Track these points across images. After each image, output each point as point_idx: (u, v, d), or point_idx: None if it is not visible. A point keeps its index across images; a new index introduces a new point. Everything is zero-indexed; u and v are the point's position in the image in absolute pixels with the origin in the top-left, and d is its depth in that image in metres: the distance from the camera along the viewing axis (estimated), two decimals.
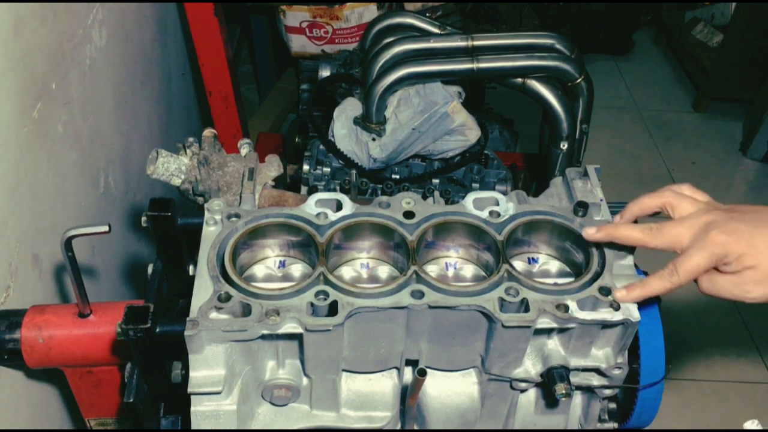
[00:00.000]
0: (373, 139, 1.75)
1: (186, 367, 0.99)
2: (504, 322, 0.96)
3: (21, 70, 1.36)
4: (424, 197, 1.24)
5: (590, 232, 1.05)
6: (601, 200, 1.16)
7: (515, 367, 1.05)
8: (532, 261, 1.15)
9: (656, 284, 0.98)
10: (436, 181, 1.83)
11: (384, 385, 1.10)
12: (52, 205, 1.52)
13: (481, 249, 1.11)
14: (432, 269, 1.13)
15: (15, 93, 1.34)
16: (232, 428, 1.01)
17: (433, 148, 1.79)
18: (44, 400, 1.52)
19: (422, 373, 0.95)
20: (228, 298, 0.97)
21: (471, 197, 1.12)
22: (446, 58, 1.70)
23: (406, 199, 1.11)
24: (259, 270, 1.12)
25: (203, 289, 1.00)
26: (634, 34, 4.69)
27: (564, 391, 1.00)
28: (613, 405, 1.16)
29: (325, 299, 0.97)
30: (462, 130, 1.76)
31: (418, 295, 0.98)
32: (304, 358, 1.01)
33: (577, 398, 1.16)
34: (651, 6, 4.71)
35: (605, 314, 0.99)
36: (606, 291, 1.00)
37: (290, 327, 0.96)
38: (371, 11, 2.82)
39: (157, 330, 1.00)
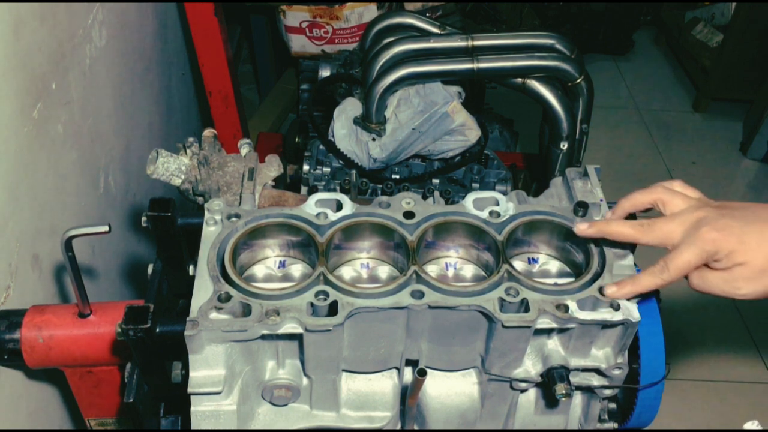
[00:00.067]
0: (373, 139, 1.75)
1: (186, 367, 0.99)
2: (504, 322, 0.96)
3: (21, 70, 1.36)
4: (424, 197, 1.24)
5: (582, 228, 1.05)
6: (601, 200, 1.16)
7: (515, 367, 1.05)
8: (532, 261, 1.15)
9: (647, 280, 0.98)
10: (436, 181, 1.83)
11: (384, 385, 1.10)
12: (52, 205, 1.52)
13: (481, 249, 1.11)
14: (432, 269, 1.13)
15: (15, 93, 1.34)
16: (232, 428, 1.01)
17: (433, 148, 1.79)
18: (44, 400, 1.52)
19: (422, 373, 0.95)
20: (228, 298, 0.97)
21: (471, 197, 1.12)
22: (446, 58, 1.70)
23: (406, 199, 1.11)
24: (259, 270, 1.12)
25: (203, 289, 1.00)
26: (634, 34, 4.69)
27: (564, 391, 1.00)
28: (613, 405, 1.16)
29: (325, 299, 0.97)
30: (462, 130, 1.76)
31: (418, 295, 0.98)
32: (304, 358, 1.01)
33: (577, 398, 1.16)
34: (651, 6, 4.71)
35: (605, 314, 0.99)
36: None
37: (290, 327, 0.96)
38: (371, 11, 2.82)
39: (157, 330, 1.00)
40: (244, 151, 1.38)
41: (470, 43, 1.71)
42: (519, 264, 1.13)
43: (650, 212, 1.05)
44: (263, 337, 0.98)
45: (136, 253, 2.16)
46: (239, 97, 2.68)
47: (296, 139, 2.10)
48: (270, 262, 1.13)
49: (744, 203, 0.98)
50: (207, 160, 1.35)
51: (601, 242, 1.06)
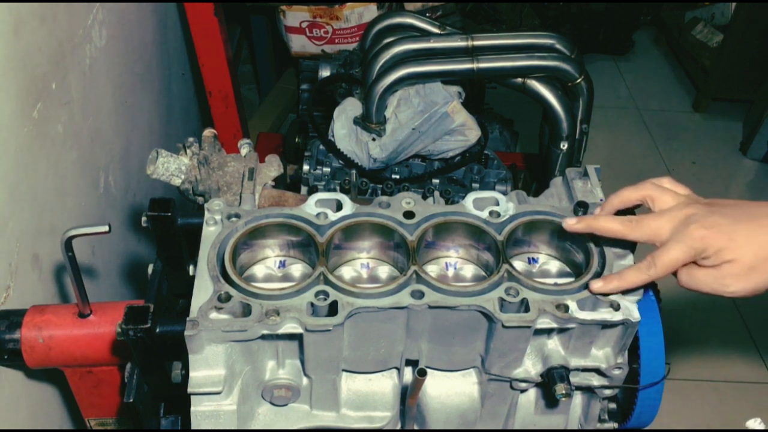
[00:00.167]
0: (373, 139, 1.75)
1: (186, 367, 0.99)
2: (504, 322, 0.96)
3: (21, 70, 1.36)
4: (424, 197, 1.24)
5: (570, 223, 1.05)
6: (601, 200, 1.16)
7: (515, 367, 1.05)
8: (532, 261, 1.15)
9: (633, 276, 0.98)
10: (436, 181, 1.83)
11: (384, 385, 1.10)
12: (52, 205, 1.52)
13: (481, 249, 1.11)
14: (432, 269, 1.13)
15: (15, 93, 1.34)
16: (232, 428, 1.01)
17: (433, 148, 1.79)
18: (44, 400, 1.52)
19: (422, 373, 0.95)
20: (228, 298, 0.97)
21: (471, 197, 1.12)
22: (446, 58, 1.70)
23: (406, 199, 1.11)
24: (259, 270, 1.12)
25: (203, 289, 1.00)
26: (634, 34, 4.69)
27: (564, 391, 1.00)
28: (613, 405, 1.16)
29: (325, 299, 0.97)
30: (462, 130, 1.76)
31: (418, 295, 0.98)
32: (304, 358, 1.01)
33: (577, 398, 1.16)
34: (651, 6, 4.71)
35: (605, 314, 0.99)
36: None
37: (290, 327, 0.96)
38: (371, 11, 2.82)
39: (157, 330, 1.00)
40: (244, 151, 1.38)
41: (470, 43, 1.71)
42: (519, 264, 1.13)
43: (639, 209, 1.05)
44: (263, 337, 0.98)
45: (136, 253, 2.16)
46: (239, 97, 2.68)
47: (296, 139, 2.10)
48: (270, 262, 1.13)
49: (733, 201, 0.98)
50: (207, 160, 1.35)
51: (601, 242, 1.06)
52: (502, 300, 0.98)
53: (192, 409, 1.00)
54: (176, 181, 1.37)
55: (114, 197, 1.94)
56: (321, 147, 1.85)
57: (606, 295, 1.00)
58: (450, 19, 2.95)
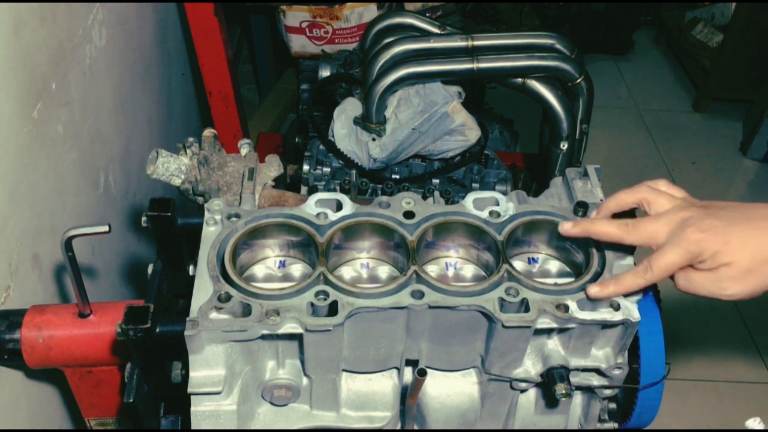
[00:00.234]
0: (373, 139, 1.75)
1: (186, 367, 0.99)
2: (504, 322, 0.96)
3: (21, 70, 1.36)
4: (424, 197, 1.24)
5: (566, 227, 1.05)
6: (601, 200, 1.16)
7: (515, 367, 1.05)
8: (532, 261, 1.15)
9: (630, 281, 0.97)
10: (436, 181, 1.83)
11: (384, 385, 1.10)
12: (52, 205, 1.52)
13: (481, 249, 1.11)
14: (432, 269, 1.13)
15: (15, 93, 1.34)
16: (232, 428, 1.01)
17: (433, 148, 1.79)
18: (44, 400, 1.52)
19: (422, 373, 0.95)
20: (228, 298, 0.97)
21: (471, 197, 1.12)
22: (446, 58, 1.70)
23: (406, 199, 1.11)
24: (259, 270, 1.12)
25: (203, 289, 1.00)
26: (634, 34, 4.69)
27: (564, 391, 1.00)
28: (613, 405, 1.16)
29: (325, 299, 0.97)
30: (462, 130, 1.76)
31: (418, 295, 0.98)
32: (304, 358, 1.01)
33: (577, 398, 1.16)
34: (651, 6, 4.71)
35: (605, 314, 0.99)
36: None
37: (290, 327, 0.96)
38: (371, 11, 2.82)
39: (157, 330, 1.00)
40: (244, 151, 1.38)
41: (470, 43, 1.71)
42: (519, 264, 1.13)
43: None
44: (263, 337, 0.98)
45: (136, 253, 2.16)
46: (239, 97, 2.68)
47: (296, 139, 2.10)
48: (270, 262, 1.13)
49: (729, 203, 0.97)
50: (207, 160, 1.35)
51: (601, 242, 1.06)
52: (502, 300, 0.98)
53: (192, 409, 1.00)
54: (176, 181, 1.37)
55: (114, 197, 1.94)
56: (321, 147, 1.85)
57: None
58: (450, 19, 2.95)
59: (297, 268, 1.12)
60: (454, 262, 1.14)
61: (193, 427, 1.01)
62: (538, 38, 1.75)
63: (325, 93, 2.03)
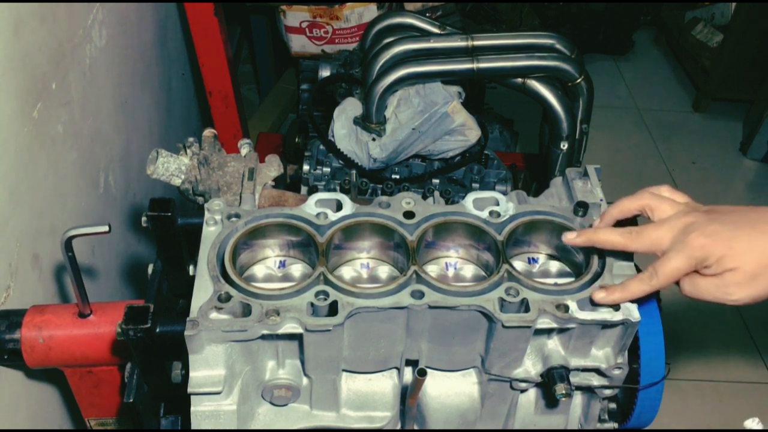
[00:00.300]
0: (373, 139, 1.75)
1: (186, 367, 0.99)
2: (504, 322, 0.96)
3: (21, 70, 1.36)
4: (424, 197, 1.24)
5: (570, 238, 1.05)
6: (601, 200, 1.16)
7: (515, 367, 1.05)
8: (532, 261, 1.15)
9: (636, 287, 0.97)
10: (436, 181, 1.83)
11: (384, 385, 1.10)
12: (52, 205, 1.52)
13: (481, 249, 1.11)
14: (432, 269, 1.13)
15: (15, 93, 1.34)
16: (232, 428, 1.01)
17: (433, 148, 1.79)
18: (44, 400, 1.52)
19: (422, 373, 0.95)
20: (228, 298, 0.97)
21: (471, 197, 1.12)
22: (446, 58, 1.70)
23: (406, 199, 1.11)
24: (259, 270, 1.12)
25: (203, 289, 1.00)
26: (634, 34, 4.69)
27: (564, 391, 1.00)
28: (613, 405, 1.16)
29: (325, 299, 0.97)
30: (462, 130, 1.76)
31: (418, 295, 0.98)
32: (304, 358, 1.01)
33: (577, 398, 1.16)
34: (651, 6, 4.71)
35: (605, 314, 0.99)
36: None
37: (290, 327, 0.96)
38: (371, 11, 2.82)
39: (157, 330, 1.00)
40: (244, 151, 1.38)
41: (470, 43, 1.71)
42: (519, 264, 1.13)
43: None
44: (263, 337, 0.98)
45: (136, 253, 2.16)
46: (239, 97, 2.68)
47: (296, 139, 2.10)
48: (270, 262, 1.13)
49: (733, 207, 0.97)
50: (207, 160, 1.35)
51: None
52: (502, 300, 0.98)
53: (192, 409, 1.00)
54: (176, 181, 1.37)
55: (114, 197, 1.94)
56: (321, 147, 1.85)
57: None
58: (450, 19, 2.95)
59: (297, 268, 1.12)
60: (454, 262, 1.14)
61: (193, 427, 1.01)
62: (538, 38, 1.75)
63: (325, 93, 2.03)
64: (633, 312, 0.99)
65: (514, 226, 1.09)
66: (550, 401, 1.12)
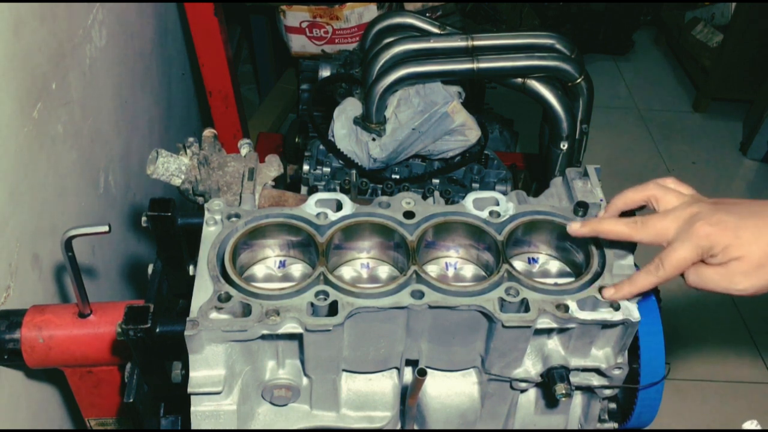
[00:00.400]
0: (373, 139, 1.75)
1: (186, 367, 0.99)
2: (504, 322, 0.96)
3: (21, 70, 1.36)
4: (424, 197, 1.24)
5: (575, 227, 1.05)
6: (601, 200, 1.16)
7: (515, 367, 1.05)
8: (532, 261, 1.15)
9: (643, 280, 0.97)
10: (436, 181, 1.83)
11: (384, 385, 1.10)
12: (52, 205, 1.52)
13: (481, 249, 1.11)
14: (432, 269, 1.13)
15: (15, 93, 1.34)
16: (232, 428, 1.01)
17: (433, 148, 1.79)
18: (44, 400, 1.52)
19: (422, 373, 0.95)
20: (228, 298, 0.97)
21: (471, 197, 1.12)
22: (446, 58, 1.70)
23: (406, 199, 1.11)
24: (259, 270, 1.12)
25: (203, 289, 1.00)
26: (634, 34, 4.70)
27: (564, 391, 1.00)
28: (613, 405, 1.16)
29: (325, 299, 0.97)
30: (462, 130, 1.76)
31: (418, 295, 0.98)
32: (304, 358, 1.01)
33: (577, 398, 1.16)
34: (651, 6, 4.71)
35: (605, 314, 0.99)
36: None
37: (290, 327, 0.96)
38: (371, 11, 2.82)
39: (157, 330, 1.00)
40: (244, 151, 1.38)
41: (470, 43, 1.71)
42: (519, 264, 1.13)
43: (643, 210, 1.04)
44: (263, 337, 0.98)
45: (136, 253, 2.16)
46: (239, 97, 2.68)
47: (296, 139, 2.10)
48: (270, 262, 1.13)
49: (737, 199, 0.97)
50: (207, 160, 1.35)
51: (602, 242, 1.06)
52: (502, 300, 0.98)
53: (192, 409, 1.00)
54: (176, 181, 1.37)
55: (114, 197, 1.94)
56: (321, 147, 1.85)
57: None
58: (450, 19, 2.95)
59: (297, 268, 1.12)
60: (454, 262, 1.14)
61: (193, 427, 1.01)
62: (538, 38, 1.75)
63: (325, 93, 2.03)
64: (633, 312, 0.99)
65: (514, 226, 1.09)
66: (550, 401, 1.12)
